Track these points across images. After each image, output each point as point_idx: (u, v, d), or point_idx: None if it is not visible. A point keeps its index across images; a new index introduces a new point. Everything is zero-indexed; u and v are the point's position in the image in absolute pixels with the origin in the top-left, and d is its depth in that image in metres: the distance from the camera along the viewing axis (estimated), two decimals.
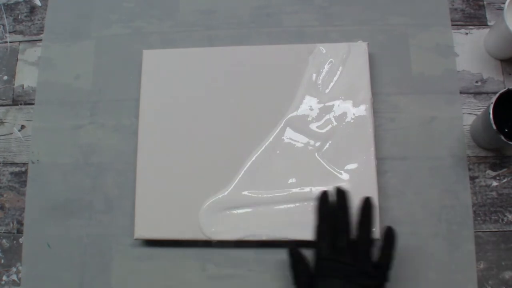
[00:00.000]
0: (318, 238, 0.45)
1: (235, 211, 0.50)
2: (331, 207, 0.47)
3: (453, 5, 0.57)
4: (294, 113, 0.52)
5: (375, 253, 0.44)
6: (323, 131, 0.51)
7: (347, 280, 0.42)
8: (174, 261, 0.52)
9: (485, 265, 0.50)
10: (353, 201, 0.47)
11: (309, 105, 0.52)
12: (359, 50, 0.53)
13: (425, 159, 0.52)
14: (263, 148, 0.51)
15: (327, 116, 0.52)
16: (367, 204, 0.46)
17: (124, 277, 0.52)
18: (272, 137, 0.51)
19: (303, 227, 0.48)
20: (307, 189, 0.50)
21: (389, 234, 0.45)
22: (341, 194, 0.47)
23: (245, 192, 0.50)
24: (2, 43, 0.61)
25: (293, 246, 0.46)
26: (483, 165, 0.53)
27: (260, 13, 0.58)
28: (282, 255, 0.51)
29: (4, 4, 0.62)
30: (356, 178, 0.49)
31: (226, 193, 0.50)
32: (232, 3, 0.59)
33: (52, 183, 0.55)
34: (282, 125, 0.52)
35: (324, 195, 0.47)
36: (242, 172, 0.51)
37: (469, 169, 0.52)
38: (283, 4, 0.58)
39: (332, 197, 0.47)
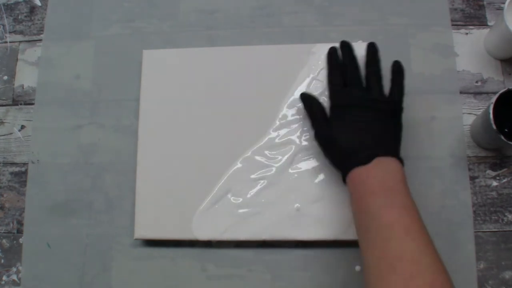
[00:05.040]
0: (330, 78, 0.49)
1: (235, 211, 0.50)
2: (340, 59, 0.50)
3: (453, 5, 0.57)
4: (294, 113, 0.52)
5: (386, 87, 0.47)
6: None
7: (362, 106, 0.44)
8: (174, 261, 0.52)
9: (485, 265, 0.50)
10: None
11: None
12: (359, 50, 0.53)
13: (425, 159, 0.52)
14: (263, 148, 0.51)
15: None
16: (371, 46, 0.49)
17: (124, 277, 0.52)
18: (270, 137, 0.52)
19: (303, 227, 0.48)
20: (306, 189, 0.50)
21: (396, 66, 0.48)
22: (346, 46, 0.50)
23: (245, 191, 0.50)
24: (2, 43, 0.61)
25: (303, 92, 0.50)
26: (483, 165, 0.53)
27: (260, 13, 0.58)
28: (282, 255, 0.51)
29: (4, 4, 0.62)
30: None
31: (226, 192, 0.50)
32: (232, 3, 0.59)
33: (52, 183, 0.55)
34: (279, 124, 0.52)
35: (332, 48, 0.50)
36: (243, 172, 0.51)
37: (469, 169, 0.52)
38: (283, 4, 0.58)
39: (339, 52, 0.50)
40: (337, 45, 0.50)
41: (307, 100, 0.49)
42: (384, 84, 0.47)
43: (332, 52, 0.50)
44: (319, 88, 0.52)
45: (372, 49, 0.49)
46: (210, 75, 0.54)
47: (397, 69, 0.48)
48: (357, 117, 0.44)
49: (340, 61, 0.50)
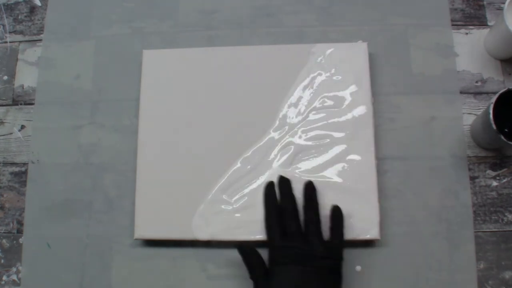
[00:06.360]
0: (268, 229, 0.47)
1: (235, 211, 0.50)
2: (276, 198, 0.48)
3: (453, 5, 0.57)
4: (294, 113, 0.52)
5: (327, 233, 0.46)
6: (323, 131, 0.51)
7: (301, 265, 0.43)
8: (174, 261, 0.52)
9: (485, 265, 0.50)
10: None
11: (308, 105, 0.52)
12: (359, 50, 0.53)
13: (425, 159, 0.52)
14: (263, 148, 0.51)
15: (327, 116, 0.52)
16: (309, 187, 0.48)
17: (124, 277, 0.52)
18: (270, 137, 0.52)
19: None
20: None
21: (336, 214, 0.47)
22: (284, 182, 0.48)
23: (245, 191, 0.50)
24: (2, 43, 0.61)
25: (240, 242, 0.47)
26: (483, 165, 0.53)
27: (260, 13, 0.58)
28: None
29: (4, 4, 0.62)
30: (356, 178, 0.49)
31: (226, 193, 0.50)
32: (232, 3, 0.59)
33: (52, 183, 0.55)
34: (279, 124, 0.52)
35: (268, 187, 0.49)
36: (243, 171, 0.51)
37: (469, 169, 0.52)
38: (283, 4, 0.58)
39: (276, 187, 0.49)
40: (274, 180, 0.49)
41: (246, 251, 0.46)
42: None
43: (268, 193, 0.48)
44: (317, 89, 0.52)
45: (309, 191, 0.48)
46: (210, 75, 0.54)
47: (337, 215, 0.47)
48: (295, 276, 0.43)
49: (277, 203, 0.48)
